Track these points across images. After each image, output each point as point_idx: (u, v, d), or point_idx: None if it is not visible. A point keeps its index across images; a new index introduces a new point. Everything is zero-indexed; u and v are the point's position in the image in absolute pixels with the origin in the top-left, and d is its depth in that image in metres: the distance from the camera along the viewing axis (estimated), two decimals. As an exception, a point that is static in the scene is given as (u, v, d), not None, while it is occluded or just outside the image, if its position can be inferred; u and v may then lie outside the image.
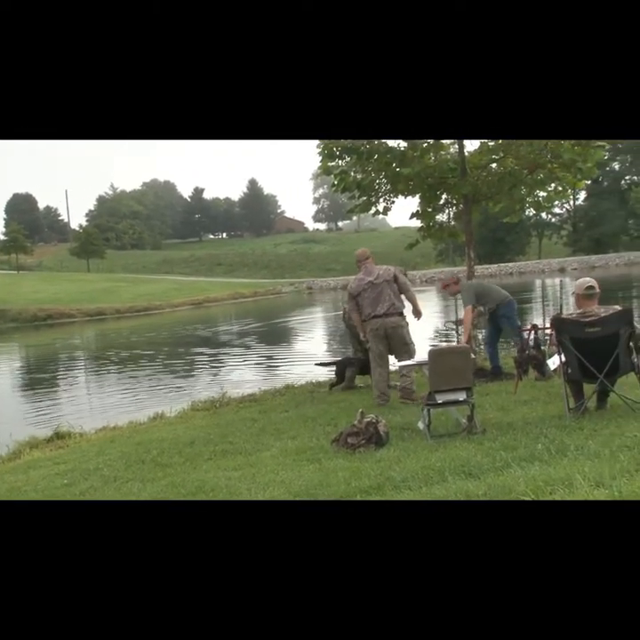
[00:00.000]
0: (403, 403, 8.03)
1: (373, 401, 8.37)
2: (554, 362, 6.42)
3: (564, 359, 6.07)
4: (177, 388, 15.53)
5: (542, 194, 10.31)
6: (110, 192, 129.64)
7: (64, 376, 20.73)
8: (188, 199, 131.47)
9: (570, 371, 6.04)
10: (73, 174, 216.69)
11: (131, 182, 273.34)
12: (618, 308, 6.15)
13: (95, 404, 14.59)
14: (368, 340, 8.47)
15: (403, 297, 8.34)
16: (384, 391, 8.27)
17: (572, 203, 78.86)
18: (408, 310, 8.50)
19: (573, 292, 6.41)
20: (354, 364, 9.83)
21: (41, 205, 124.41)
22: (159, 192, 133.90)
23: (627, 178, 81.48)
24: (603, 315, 5.95)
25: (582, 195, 75.62)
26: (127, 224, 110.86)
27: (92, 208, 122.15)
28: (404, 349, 8.19)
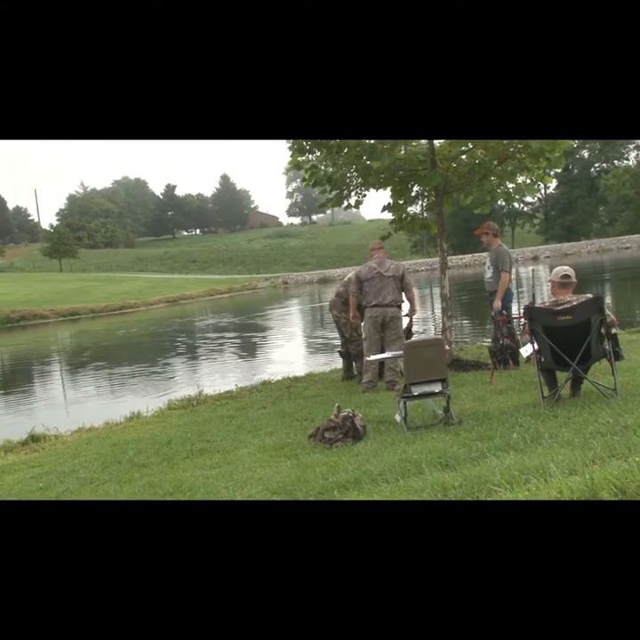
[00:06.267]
0: (389, 391, 8.26)
1: (361, 386, 8.73)
2: (526, 350, 6.47)
3: (537, 348, 6.12)
4: (153, 386, 15.44)
5: (512, 185, 10.35)
6: (80, 191, 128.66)
7: (41, 377, 20.52)
8: (161, 196, 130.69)
9: (543, 359, 6.09)
10: (42, 173, 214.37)
11: (101, 180, 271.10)
12: (589, 296, 6.21)
13: (71, 405, 14.47)
14: (356, 322, 9.09)
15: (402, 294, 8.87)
16: (373, 379, 8.61)
17: (543, 191, 79.52)
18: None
19: (550, 279, 6.47)
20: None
21: (10, 206, 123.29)
22: (130, 189, 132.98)
23: (596, 165, 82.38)
24: (574, 303, 6.01)
25: (553, 183, 76.23)
26: (99, 223, 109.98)
27: (63, 207, 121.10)
28: (397, 341, 8.51)
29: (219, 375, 15.68)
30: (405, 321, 9.06)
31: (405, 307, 9.03)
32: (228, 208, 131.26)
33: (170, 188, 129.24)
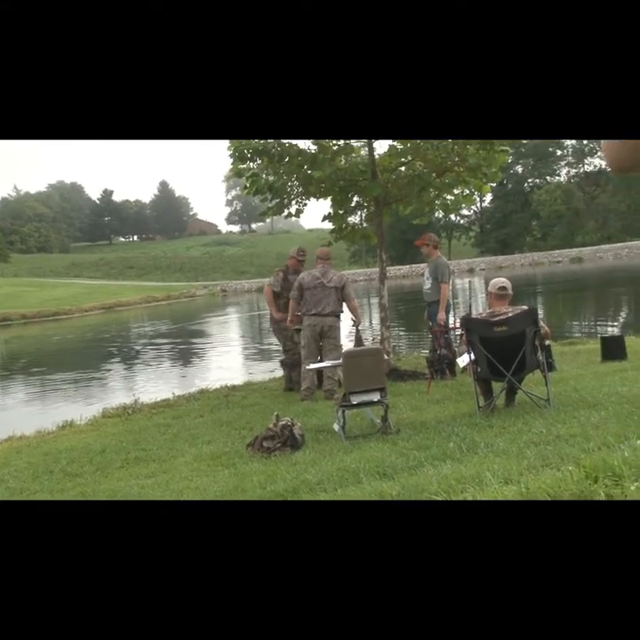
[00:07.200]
0: (328, 400, 8.29)
1: (300, 394, 8.78)
2: (463, 360, 6.57)
3: (473, 358, 6.22)
4: (88, 394, 15.12)
5: (450, 197, 10.54)
6: (13, 194, 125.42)
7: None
8: (97, 201, 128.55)
9: (479, 369, 6.19)
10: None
11: (35, 184, 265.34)
12: (524, 307, 6.35)
13: (1, 413, 14.04)
14: (292, 326, 9.16)
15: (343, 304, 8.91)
16: (310, 386, 8.70)
17: (479, 205, 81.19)
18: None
19: (488, 291, 6.60)
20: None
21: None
22: (66, 194, 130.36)
23: (529, 180, 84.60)
24: (510, 314, 6.14)
25: (488, 197, 77.94)
26: (32, 227, 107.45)
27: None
28: (334, 350, 8.54)
29: (155, 383, 15.45)
30: (345, 330, 9.13)
31: (345, 317, 9.06)
32: (167, 214, 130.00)
33: (107, 194, 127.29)
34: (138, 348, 25.09)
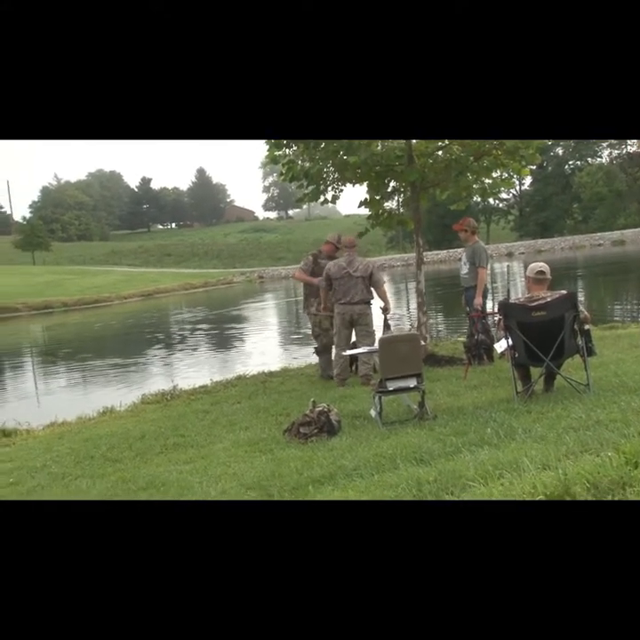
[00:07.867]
0: (364, 386, 8.25)
1: (335, 378, 8.80)
2: (501, 346, 6.51)
3: (511, 343, 6.16)
4: (128, 380, 15.32)
5: (488, 181, 10.41)
6: (54, 183, 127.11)
7: (15, 370, 20.26)
8: (136, 189, 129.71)
9: (517, 355, 6.13)
10: (15, 165, 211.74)
11: (75, 172, 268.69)
12: (563, 292, 6.26)
13: (44, 399, 14.32)
14: (326, 313, 9.15)
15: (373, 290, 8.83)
16: (341, 372, 8.71)
17: (518, 188, 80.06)
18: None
19: (526, 275, 6.53)
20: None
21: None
22: (105, 182, 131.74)
23: (570, 163, 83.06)
24: (548, 299, 6.05)
25: (528, 180, 76.77)
26: (73, 215, 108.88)
27: (36, 199, 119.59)
28: (367, 337, 8.57)
29: (194, 369, 15.60)
30: (377, 318, 9.07)
31: (377, 303, 8.99)
32: (204, 202, 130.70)
33: (145, 182, 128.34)
34: (178, 334, 25.34)
